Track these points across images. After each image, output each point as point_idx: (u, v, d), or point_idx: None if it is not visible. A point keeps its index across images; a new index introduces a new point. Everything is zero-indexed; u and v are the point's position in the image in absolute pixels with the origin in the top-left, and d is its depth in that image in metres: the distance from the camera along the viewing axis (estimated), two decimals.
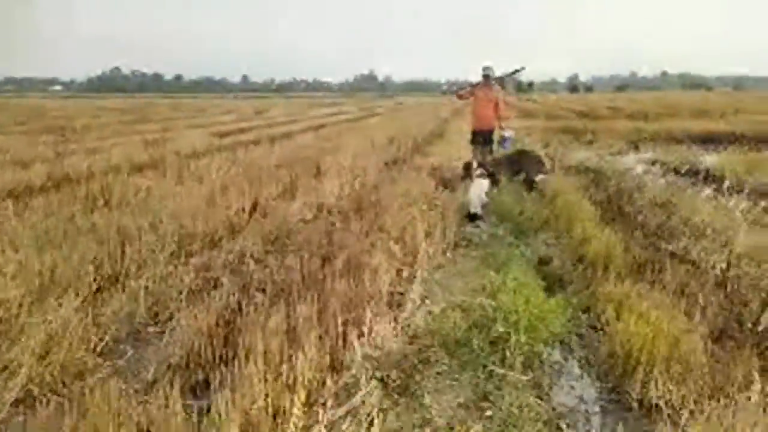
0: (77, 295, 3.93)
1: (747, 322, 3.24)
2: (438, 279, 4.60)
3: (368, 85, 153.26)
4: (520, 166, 8.85)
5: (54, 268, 4.28)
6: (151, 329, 3.97)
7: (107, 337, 3.66)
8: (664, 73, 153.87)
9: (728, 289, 3.78)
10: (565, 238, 5.85)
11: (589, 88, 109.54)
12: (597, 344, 3.33)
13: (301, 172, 9.53)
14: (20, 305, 3.69)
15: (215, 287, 4.53)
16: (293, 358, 2.90)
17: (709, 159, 12.12)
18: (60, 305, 3.66)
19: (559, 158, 12.01)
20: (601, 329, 3.49)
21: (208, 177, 9.02)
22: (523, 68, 10.18)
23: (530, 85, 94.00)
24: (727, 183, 9.34)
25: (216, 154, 11.69)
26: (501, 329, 3.15)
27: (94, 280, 4.36)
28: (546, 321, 3.20)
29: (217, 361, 3.26)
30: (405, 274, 4.70)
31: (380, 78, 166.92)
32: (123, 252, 4.85)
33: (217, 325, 3.45)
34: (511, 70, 10.21)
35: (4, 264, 4.19)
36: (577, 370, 3.16)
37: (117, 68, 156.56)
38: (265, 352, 2.92)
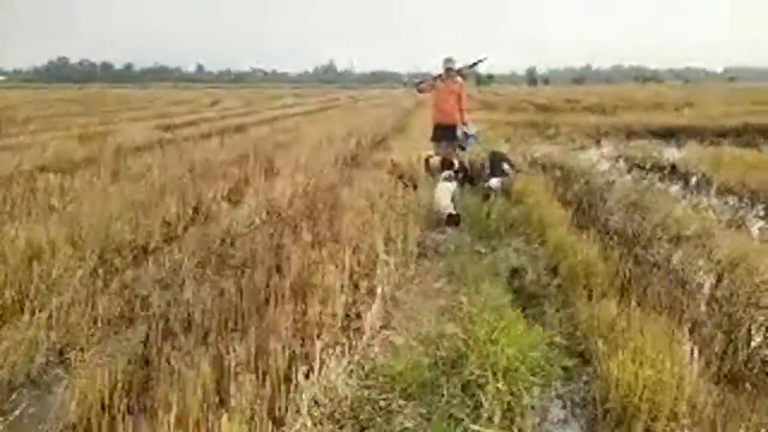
0: None
1: (756, 359, 2.81)
2: (400, 298, 4.05)
3: (328, 77, 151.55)
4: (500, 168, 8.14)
5: None
6: (54, 372, 3.28)
7: None
8: (618, 67, 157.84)
9: (724, 309, 3.36)
10: (537, 243, 5.40)
11: (546, 81, 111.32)
12: (586, 385, 2.85)
13: (252, 170, 8.81)
14: None
15: (137, 314, 3.85)
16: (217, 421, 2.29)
17: (672, 154, 11.99)
18: None
19: (523, 153, 11.68)
20: (589, 362, 3.02)
21: (148, 175, 8.20)
22: (484, 58, 9.71)
23: (490, 77, 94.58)
24: (694, 179, 9.15)
25: (160, 149, 10.79)
26: (476, 371, 2.63)
27: None
28: (527, 360, 2.69)
29: (125, 419, 2.62)
30: (362, 291, 4.13)
31: (340, 69, 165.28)
32: (30, 272, 4.10)
33: (128, 371, 2.79)
34: (472, 61, 9.71)
35: None
36: (566, 420, 2.66)
37: (64, 58, 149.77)
38: (180, 416, 2.30)
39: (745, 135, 15.04)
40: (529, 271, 4.56)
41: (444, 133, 9.25)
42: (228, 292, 3.82)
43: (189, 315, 3.50)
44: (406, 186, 7.57)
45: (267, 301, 3.71)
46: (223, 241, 5.46)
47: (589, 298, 3.70)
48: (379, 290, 4.09)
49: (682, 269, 4.21)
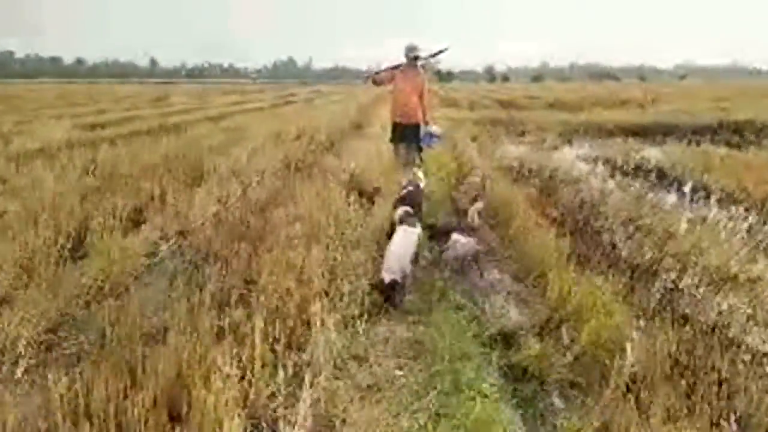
0: None
1: None
2: (338, 405, 2.60)
3: (288, 72, 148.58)
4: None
5: None
6: None
7: None
8: (573, 64, 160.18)
9: None
10: (529, 283, 4.08)
11: (505, 78, 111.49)
12: None
13: (172, 180, 7.20)
14: None
15: None
16: None
17: (653, 154, 10.96)
18: None
19: (492, 155, 10.44)
20: None
21: (39, 187, 6.48)
22: (446, 49, 8.32)
23: (449, 74, 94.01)
24: (689, 186, 8.03)
25: (69, 153, 8.99)
26: None
27: None
28: None
29: None
30: (279, 383, 2.68)
31: (300, 64, 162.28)
32: None
33: None
34: (433, 50, 8.29)
35: None
36: None
37: (10, 51, 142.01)
38: None
39: (722, 133, 14.28)
40: (527, 335, 3.21)
41: (405, 133, 7.84)
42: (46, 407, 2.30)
43: None
44: (365, 202, 6.13)
45: None
46: (100, 289, 3.91)
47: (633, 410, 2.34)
48: (305, 388, 2.65)
49: (749, 341, 2.90)
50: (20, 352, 3.09)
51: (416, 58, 7.65)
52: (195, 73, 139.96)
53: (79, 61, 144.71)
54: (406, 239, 4.04)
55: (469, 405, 2.42)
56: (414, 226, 4.28)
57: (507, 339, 3.17)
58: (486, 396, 2.40)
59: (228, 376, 2.40)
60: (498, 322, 3.33)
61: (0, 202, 5.77)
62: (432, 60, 8.38)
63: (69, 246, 4.65)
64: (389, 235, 4.37)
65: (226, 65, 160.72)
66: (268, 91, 45.90)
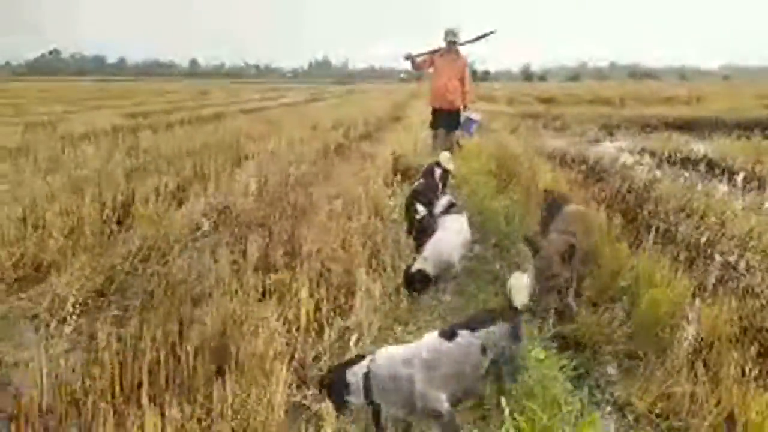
0: None
1: None
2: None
3: (323, 72, 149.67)
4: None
5: None
6: None
7: None
8: (613, 64, 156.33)
9: None
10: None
11: (542, 78, 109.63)
12: None
13: (214, 162, 7.28)
14: None
15: None
16: None
17: (700, 147, 10.54)
18: None
19: (534, 146, 10.21)
20: None
21: (81, 167, 6.63)
22: (492, 32, 8.14)
23: (487, 73, 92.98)
24: (742, 175, 7.67)
25: (110, 139, 9.19)
26: None
27: None
28: None
29: None
30: (326, 343, 2.64)
31: (336, 64, 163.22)
32: None
33: None
34: (476, 35, 8.12)
35: None
36: None
37: (56, 51, 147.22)
38: None
39: None
40: (582, 311, 3.07)
41: (445, 119, 7.75)
42: (100, 356, 2.30)
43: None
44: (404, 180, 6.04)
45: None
46: (147, 257, 3.95)
47: None
48: (352, 343, 2.60)
49: None
50: (69, 311, 3.13)
51: (453, 42, 7.54)
52: (233, 73, 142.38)
53: (122, 61, 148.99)
54: (451, 230, 3.69)
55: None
56: (461, 213, 3.98)
57: (558, 312, 3.04)
58: (540, 360, 2.29)
59: (275, 331, 2.36)
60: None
61: (43, 178, 5.92)
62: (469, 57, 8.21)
63: (115, 217, 4.73)
64: (409, 231, 4.10)
65: (262, 66, 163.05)
66: (303, 89, 46.33)
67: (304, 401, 2.25)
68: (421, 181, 4.84)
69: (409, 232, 4.13)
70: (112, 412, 1.84)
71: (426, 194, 4.44)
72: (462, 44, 7.65)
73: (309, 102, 24.91)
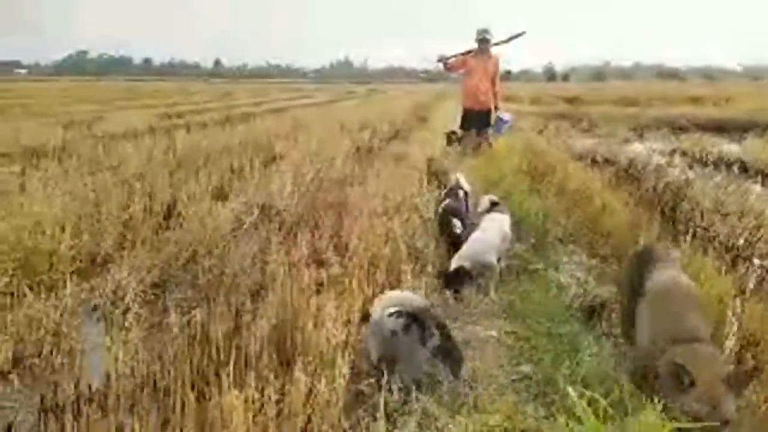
0: None
1: None
2: None
3: (344, 72, 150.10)
4: None
5: None
6: None
7: None
8: (637, 64, 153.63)
9: None
10: (613, 260, 3.97)
11: (565, 77, 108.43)
12: None
13: (248, 161, 7.46)
14: None
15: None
16: None
17: (732, 148, 10.42)
18: None
19: (562, 146, 10.21)
20: None
21: (123, 166, 6.86)
22: (522, 33, 8.19)
23: (508, 73, 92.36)
24: None
25: (147, 138, 9.46)
26: None
27: None
28: None
29: None
30: None
31: (356, 64, 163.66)
32: None
33: None
34: (507, 36, 8.18)
35: None
36: None
37: (83, 52, 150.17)
38: None
39: None
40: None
41: (476, 119, 7.85)
42: (169, 343, 2.45)
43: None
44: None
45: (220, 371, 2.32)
46: (194, 252, 4.10)
47: None
48: None
49: None
50: (128, 303, 3.29)
51: (484, 41, 7.61)
52: (256, 73, 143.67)
53: (147, 61, 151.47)
54: (489, 230, 3.71)
55: (571, 357, 2.39)
56: (503, 212, 4.01)
57: (595, 310, 3.09)
58: (595, 355, 2.36)
59: (334, 322, 2.48)
60: (588, 294, 3.25)
61: (89, 176, 6.13)
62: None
63: (161, 214, 4.92)
64: (447, 249, 3.88)
65: (284, 66, 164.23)
66: (326, 90, 46.66)
67: (362, 390, 2.35)
68: (449, 201, 4.50)
69: (448, 250, 3.91)
70: (191, 395, 1.96)
71: (459, 210, 4.30)
72: (495, 44, 7.73)
73: (333, 102, 25.13)
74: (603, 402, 1.69)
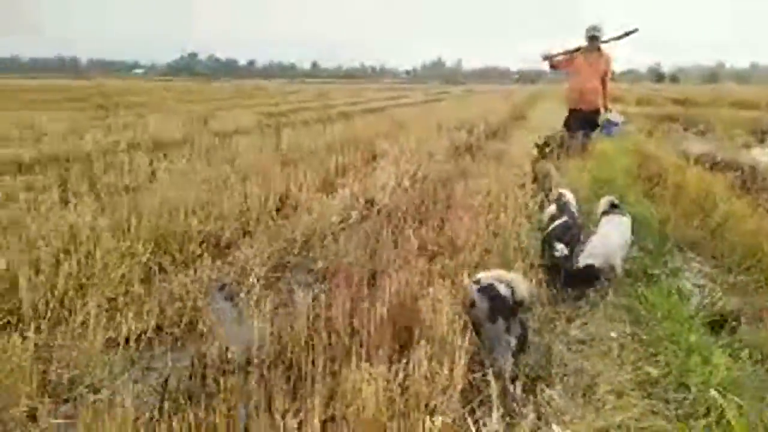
0: None
1: None
2: (558, 352, 2.59)
3: (437, 72, 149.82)
4: None
5: None
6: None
7: None
8: (755, 65, 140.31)
9: None
10: (740, 270, 3.71)
11: (674, 78, 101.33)
12: None
13: (351, 158, 7.72)
14: None
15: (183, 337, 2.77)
16: None
17: None
18: None
19: (676, 149, 9.59)
20: None
21: (238, 159, 7.33)
22: (634, 31, 7.76)
23: (612, 73, 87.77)
24: None
25: (257, 134, 10.04)
26: None
27: None
28: None
29: None
30: None
31: (449, 64, 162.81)
32: (57, 267, 3.17)
33: None
34: (618, 33, 7.77)
35: None
36: None
37: (194, 54, 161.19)
38: None
39: None
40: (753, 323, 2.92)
41: (583, 120, 7.56)
42: (296, 320, 2.61)
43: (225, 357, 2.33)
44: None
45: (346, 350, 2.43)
46: (310, 238, 4.33)
47: None
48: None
49: None
50: (252, 284, 3.54)
51: (594, 38, 7.31)
52: (350, 74, 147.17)
53: (251, 63, 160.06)
54: (614, 231, 3.59)
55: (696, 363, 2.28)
56: (623, 215, 3.84)
57: (723, 320, 2.91)
58: (727, 369, 2.23)
59: (453, 311, 2.53)
60: (713, 305, 3.06)
61: (209, 168, 6.61)
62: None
63: (274, 205, 5.22)
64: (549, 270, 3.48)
65: (377, 67, 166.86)
66: (419, 90, 46.85)
67: (477, 382, 2.38)
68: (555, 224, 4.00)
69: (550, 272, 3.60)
70: (323, 369, 2.09)
71: (564, 233, 4.09)
72: (605, 41, 7.42)
73: (427, 102, 25.20)
74: (750, 410, 1.61)
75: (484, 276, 2.48)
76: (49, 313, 2.84)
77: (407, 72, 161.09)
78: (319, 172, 6.57)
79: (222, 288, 3.53)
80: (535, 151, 7.85)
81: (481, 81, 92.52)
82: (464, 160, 7.78)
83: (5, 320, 2.76)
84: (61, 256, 3.17)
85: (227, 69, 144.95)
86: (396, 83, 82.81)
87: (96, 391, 2.32)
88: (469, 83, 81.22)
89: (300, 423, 1.81)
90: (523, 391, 2.21)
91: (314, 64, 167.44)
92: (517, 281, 2.44)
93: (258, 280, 3.46)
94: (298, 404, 1.92)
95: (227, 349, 2.41)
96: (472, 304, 2.39)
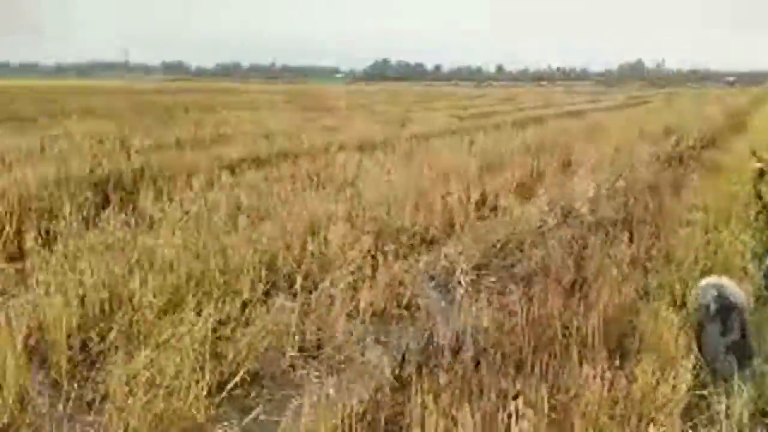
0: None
1: None
2: None
3: (635, 74, 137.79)
4: None
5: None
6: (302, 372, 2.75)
7: None
8: None
9: None
10: None
11: None
12: None
13: (546, 163, 7.66)
14: None
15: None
16: None
17: None
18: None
19: None
20: None
21: (436, 160, 7.76)
22: None
23: None
24: None
25: (451, 137, 10.44)
26: None
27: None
28: None
29: None
30: None
31: (649, 65, 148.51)
32: (304, 248, 3.79)
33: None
34: None
35: None
36: None
37: (386, 59, 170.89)
38: None
39: None
40: None
41: None
42: (509, 315, 2.81)
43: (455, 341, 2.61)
44: None
45: (563, 349, 2.55)
46: (509, 240, 4.50)
47: None
48: None
49: None
50: (458, 280, 3.82)
51: None
52: (537, 76, 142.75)
53: (437, 67, 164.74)
54: None
55: None
56: None
57: None
58: None
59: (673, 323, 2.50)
60: None
61: (414, 167, 7.10)
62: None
63: (474, 206, 5.47)
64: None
65: (569, 69, 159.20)
66: (614, 93, 43.78)
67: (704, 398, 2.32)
68: None
69: None
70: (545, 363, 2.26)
71: None
72: None
73: (627, 107, 23.53)
74: None
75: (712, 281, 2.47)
76: (297, 287, 3.42)
77: (598, 75, 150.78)
78: (515, 175, 6.67)
79: (432, 278, 3.87)
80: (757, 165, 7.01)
81: (689, 84, 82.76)
82: (673, 171, 7.23)
83: (269, 286, 3.39)
84: (308, 238, 3.78)
85: (416, 73, 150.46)
86: (590, 85, 78.16)
87: (340, 352, 2.78)
88: (672, 86, 73.34)
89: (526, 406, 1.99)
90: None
91: (499, 68, 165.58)
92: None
93: (466, 274, 3.73)
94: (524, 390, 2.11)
95: (455, 331, 2.69)
96: (707, 307, 2.38)
